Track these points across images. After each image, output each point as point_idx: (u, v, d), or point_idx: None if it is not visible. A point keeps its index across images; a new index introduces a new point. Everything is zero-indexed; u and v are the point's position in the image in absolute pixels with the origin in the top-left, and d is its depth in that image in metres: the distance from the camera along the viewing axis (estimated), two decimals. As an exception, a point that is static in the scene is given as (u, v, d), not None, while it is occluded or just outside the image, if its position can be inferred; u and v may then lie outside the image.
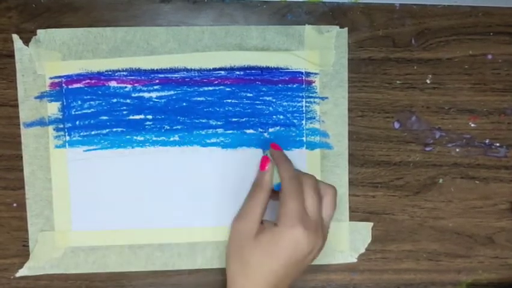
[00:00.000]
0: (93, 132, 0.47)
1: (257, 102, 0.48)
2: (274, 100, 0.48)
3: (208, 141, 0.48)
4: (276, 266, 0.40)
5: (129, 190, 0.48)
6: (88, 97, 0.47)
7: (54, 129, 0.47)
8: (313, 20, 0.48)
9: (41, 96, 0.47)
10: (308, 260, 0.42)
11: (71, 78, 0.47)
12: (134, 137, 0.48)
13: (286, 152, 0.48)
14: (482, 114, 0.50)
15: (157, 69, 0.48)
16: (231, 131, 0.48)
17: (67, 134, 0.47)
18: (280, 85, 0.48)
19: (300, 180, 0.42)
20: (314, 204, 0.41)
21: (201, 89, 0.48)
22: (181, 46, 0.48)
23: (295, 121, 0.49)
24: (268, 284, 0.40)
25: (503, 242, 0.51)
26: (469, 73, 0.50)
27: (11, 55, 0.47)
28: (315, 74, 0.48)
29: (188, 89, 0.48)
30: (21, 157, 0.47)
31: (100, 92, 0.47)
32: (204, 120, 0.48)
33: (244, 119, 0.48)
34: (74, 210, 0.48)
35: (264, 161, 0.44)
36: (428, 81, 0.49)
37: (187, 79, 0.48)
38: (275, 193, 0.44)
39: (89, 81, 0.47)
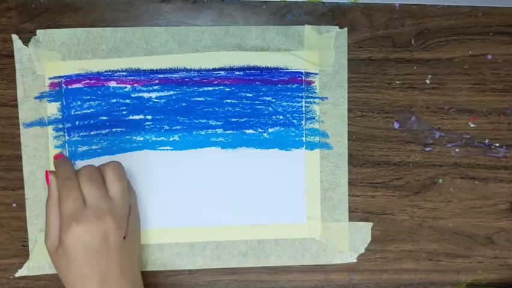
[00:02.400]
0: (92, 133, 0.48)
1: (257, 102, 0.48)
2: (273, 100, 0.48)
3: (207, 141, 0.48)
4: (85, 269, 0.40)
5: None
6: (88, 97, 0.47)
7: (53, 130, 0.47)
8: (313, 20, 0.48)
9: (40, 97, 0.47)
10: (117, 240, 0.41)
11: (70, 79, 0.47)
12: (134, 137, 0.48)
13: (286, 152, 0.49)
14: (482, 115, 0.50)
15: (156, 70, 0.48)
16: (230, 131, 0.48)
17: (66, 134, 0.47)
18: (279, 85, 0.48)
19: (72, 179, 0.42)
20: (91, 193, 0.41)
21: (201, 89, 0.48)
22: (180, 46, 0.48)
23: (294, 121, 0.49)
24: (103, 280, 0.40)
25: (502, 242, 0.51)
26: (469, 73, 0.50)
27: (10, 55, 0.47)
28: (315, 74, 0.48)
29: (188, 89, 0.48)
30: (21, 157, 0.47)
31: (99, 92, 0.47)
32: (203, 121, 0.48)
33: (243, 119, 0.48)
34: (73, 210, 0.48)
35: (46, 176, 0.44)
36: (428, 82, 0.49)
37: (186, 79, 0.48)
38: None
39: (88, 81, 0.47)
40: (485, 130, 0.50)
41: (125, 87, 0.48)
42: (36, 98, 0.47)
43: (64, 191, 0.41)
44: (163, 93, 0.48)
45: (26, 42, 0.47)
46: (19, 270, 0.48)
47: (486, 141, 0.50)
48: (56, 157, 0.46)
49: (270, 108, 0.48)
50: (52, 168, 0.47)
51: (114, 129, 0.48)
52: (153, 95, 0.48)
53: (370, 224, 0.50)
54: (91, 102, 0.47)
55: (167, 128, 0.48)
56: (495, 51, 0.50)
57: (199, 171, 0.48)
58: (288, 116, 0.48)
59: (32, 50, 0.47)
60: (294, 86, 0.48)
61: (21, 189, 0.48)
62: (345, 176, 0.49)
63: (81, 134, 0.47)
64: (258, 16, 0.48)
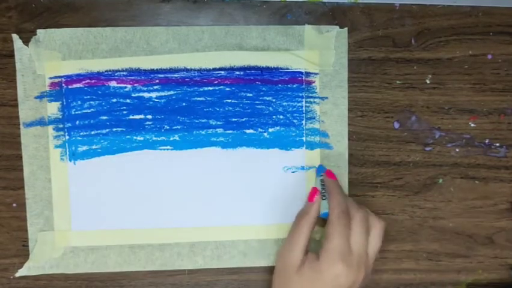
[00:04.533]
0: (93, 132, 0.47)
1: (257, 102, 0.48)
2: (274, 100, 0.48)
3: (207, 141, 0.48)
4: None
5: (129, 190, 0.48)
6: (88, 97, 0.47)
7: (54, 129, 0.47)
8: (313, 20, 0.48)
9: (40, 96, 0.47)
10: None
11: (71, 78, 0.47)
12: (134, 137, 0.48)
13: (286, 152, 0.49)
14: (482, 114, 0.50)
15: (157, 69, 0.48)
16: (230, 131, 0.48)
17: (66, 134, 0.47)
18: (280, 85, 0.48)
19: (348, 215, 0.42)
20: (360, 241, 0.41)
21: (201, 89, 0.48)
22: (181, 46, 0.48)
23: (295, 121, 0.49)
24: None
25: (503, 242, 0.51)
26: (469, 73, 0.50)
27: (10, 55, 0.47)
28: (315, 74, 0.48)
29: (188, 89, 0.48)
30: (21, 157, 0.47)
31: (99, 92, 0.47)
32: (203, 120, 0.48)
33: (244, 119, 0.48)
34: (73, 210, 0.48)
35: (313, 192, 0.45)
36: (428, 81, 0.49)
37: (187, 79, 0.48)
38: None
39: (89, 81, 0.47)
40: (486, 130, 0.50)
41: (126, 87, 0.48)
42: (36, 97, 0.47)
43: (337, 224, 0.41)
44: (163, 93, 0.48)
45: (26, 41, 0.47)
46: (19, 270, 0.48)
47: (486, 141, 0.50)
48: (329, 175, 0.46)
49: (271, 108, 0.48)
50: (52, 168, 0.47)
51: (114, 129, 0.48)
52: (153, 94, 0.48)
53: (370, 224, 0.50)
54: (91, 102, 0.47)
55: (168, 127, 0.48)
56: (495, 51, 0.50)
57: (199, 171, 0.48)
58: (288, 115, 0.48)
59: (33, 49, 0.47)
60: (294, 85, 0.48)
61: (22, 189, 0.48)
62: (346, 176, 0.49)
63: (81, 133, 0.47)
64: (258, 16, 0.48)
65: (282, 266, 0.43)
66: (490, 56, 0.50)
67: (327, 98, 0.49)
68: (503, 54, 0.50)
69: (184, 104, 0.48)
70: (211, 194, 0.48)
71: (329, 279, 0.40)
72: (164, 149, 0.48)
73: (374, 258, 0.43)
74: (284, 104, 0.48)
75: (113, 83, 0.47)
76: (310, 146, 0.49)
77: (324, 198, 0.44)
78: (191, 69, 0.48)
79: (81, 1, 0.47)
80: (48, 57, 0.47)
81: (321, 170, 0.48)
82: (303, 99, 0.49)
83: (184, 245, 0.49)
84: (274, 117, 0.48)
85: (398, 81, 0.49)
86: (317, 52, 0.48)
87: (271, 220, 0.49)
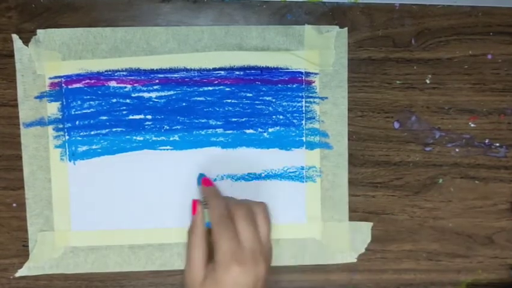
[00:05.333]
0: (93, 132, 0.47)
1: (257, 102, 0.48)
2: (274, 100, 0.48)
3: (207, 141, 0.48)
4: None
5: (129, 190, 0.48)
6: (88, 97, 0.47)
7: (54, 129, 0.47)
8: (313, 20, 0.48)
9: (40, 96, 0.47)
10: (263, 285, 0.41)
11: (70, 78, 0.47)
12: (134, 137, 0.48)
13: (286, 152, 0.49)
14: (482, 114, 0.50)
15: (156, 69, 0.48)
16: (230, 131, 0.48)
17: (66, 134, 0.47)
18: (280, 85, 0.48)
19: (230, 215, 0.41)
20: (249, 235, 0.40)
21: (201, 89, 0.48)
22: (180, 46, 0.48)
23: (295, 121, 0.49)
24: None
25: (502, 242, 0.51)
26: (469, 73, 0.50)
27: (10, 55, 0.47)
28: (315, 74, 0.48)
29: (188, 89, 0.48)
30: (21, 157, 0.47)
31: (99, 92, 0.47)
32: (203, 120, 0.48)
33: (244, 119, 0.48)
34: (73, 210, 0.48)
35: (194, 205, 0.44)
36: (428, 81, 0.49)
37: (186, 79, 0.48)
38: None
39: (88, 81, 0.47)
40: (485, 130, 0.50)
41: (126, 87, 0.48)
42: (36, 97, 0.47)
43: (220, 228, 0.40)
44: (163, 93, 0.48)
45: (26, 42, 0.47)
46: (19, 270, 0.48)
47: (486, 141, 0.50)
48: (205, 183, 0.46)
49: (270, 108, 0.48)
50: (52, 168, 0.47)
51: (114, 129, 0.48)
52: (153, 94, 0.48)
53: (370, 224, 0.50)
54: (91, 102, 0.47)
55: (168, 127, 0.48)
56: (495, 51, 0.50)
57: (199, 171, 0.48)
58: (288, 115, 0.48)
59: (32, 49, 0.47)
60: (294, 85, 0.48)
61: (22, 189, 0.48)
62: (345, 176, 0.49)
63: (81, 133, 0.47)
64: (258, 16, 0.48)
65: (188, 285, 0.41)
66: (490, 56, 0.50)
67: (327, 98, 0.49)
68: (503, 54, 0.50)
69: (184, 104, 0.48)
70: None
71: (229, 284, 0.39)
72: (164, 149, 0.48)
73: (269, 243, 0.42)
74: (284, 104, 0.48)
75: (113, 83, 0.47)
76: (310, 146, 0.49)
77: (206, 207, 0.43)
78: (191, 69, 0.48)
79: (81, 1, 0.47)
80: (48, 57, 0.47)
81: (199, 178, 0.47)
82: (303, 99, 0.49)
83: (184, 245, 0.49)
84: (274, 117, 0.48)
85: (398, 81, 0.49)
86: (317, 52, 0.48)
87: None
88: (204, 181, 0.46)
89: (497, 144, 0.50)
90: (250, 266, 0.40)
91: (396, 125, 0.50)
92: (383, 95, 0.49)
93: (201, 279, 0.41)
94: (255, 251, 0.40)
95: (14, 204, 0.48)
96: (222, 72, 0.48)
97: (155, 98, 0.48)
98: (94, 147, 0.48)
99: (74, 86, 0.47)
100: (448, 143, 0.50)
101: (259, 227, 0.42)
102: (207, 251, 0.42)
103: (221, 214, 0.41)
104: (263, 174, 0.49)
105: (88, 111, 0.47)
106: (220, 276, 0.39)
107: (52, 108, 0.47)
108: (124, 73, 0.47)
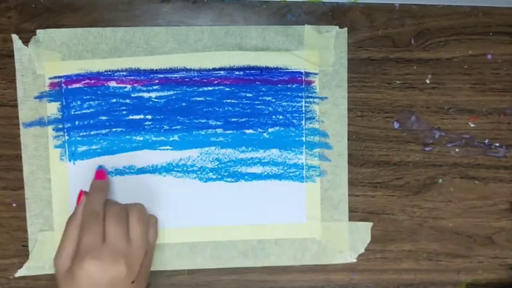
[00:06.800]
0: (92, 132, 0.47)
1: (256, 102, 0.48)
2: (273, 100, 0.48)
3: (207, 141, 0.48)
4: None
5: (129, 190, 0.48)
6: (88, 97, 0.47)
7: (53, 129, 0.47)
8: (313, 20, 0.48)
9: (40, 96, 0.47)
10: (125, 285, 0.40)
11: (70, 78, 0.47)
12: (134, 137, 0.48)
13: (286, 152, 0.48)
14: (482, 114, 0.50)
15: (156, 69, 0.48)
16: (230, 131, 0.48)
17: (66, 134, 0.47)
18: (279, 85, 0.48)
19: (100, 212, 0.41)
20: (113, 233, 0.40)
21: (201, 89, 0.48)
22: (180, 46, 0.48)
23: (294, 121, 0.49)
24: None
25: (502, 242, 0.51)
26: (469, 73, 0.50)
27: (10, 55, 0.47)
28: (315, 74, 0.48)
29: (188, 89, 0.48)
30: (21, 157, 0.47)
31: (99, 92, 0.47)
32: (203, 120, 0.48)
33: (243, 119, 0.48)
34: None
35: (79, 195, 0.44)
36: (428, 81, 0.49)
37: (186, 79, 0.48)
38: None
39: (88, 81, 0.47)
40: (485, 130, 0.50)
41: (125, 87, 0.48)
42: (36, 97, 0.47)
43: (87, 222, 0.41)
44: (163, 93, 0.48)
45: (26, 42, 0.47)
46: (19, 270, 0.48)
47: (486, 141, 0.50)
48: (97, 176, 0.46)
49: (270, 108, 0.48)
50: (52, 168, 0.47)
51: (114, 129, 0.48)
52: (153, 94, 0.48)
53: (370, 224, 0.50)
54: (90, 102, 0.47)
55: (167, 127, 0.48)
56: (495, 51, 0.50)
57: (198, 171, 0.48)
58: (288, 115, 0.48)
59: (32, 49, 0.47)
60: (294, 85, 0.48)
61: (21, 189, 0.48)
62: (345, 176, 0.49)
63: (81, 133, 0.47)
64: (258, 16, 0.48)
65: (55, 272, 0.41)
66: (489, 56, 0.50)
67: (326, 98, 0.49)
68: (503, 54, 0.50)
69: (183, 104, 0.48)
70: (211, 194, 0.48)
71: (82, 278, 0.39)
72: (164, 149, 0.48)
73: (141, 245, 0.42)
74: (284, 104, 0.48)
75: (112, 83, 0.47)
76: (310, 146, 0.49)
77: None
78: (191, 69, 0.48)
79: (81, 1, 0.47)
80: (48, 57, 0.47)
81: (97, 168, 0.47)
82: (303, 99, 0.49)
83: (184, 245, 0.49)
84: (273, 117, 0.48)
85: (397, 81, 0.49)
86: (317, 52, 0.48)
87: (271, 220, 0.49)
88: (97, 173, 0.46)
89: (497, 144, 0.50)
90: (108, 264, 0.39)
91: (396, 125, 0.50)
92: (383, 95, 0.49)
93: (65, 269, 0.40)
94: (116, 249, 0.40)
95: (14, 204, 0.48)
96: (222, 72, 0.48)
97: (155, 98, 0.48)
98: (93, 147, 0.48)
99: (74, 86, 0.47)
100: (447, 143, 0.50)
101: (131, 228, 0.42)
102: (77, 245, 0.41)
103: (92, 209, 0.42)
104: (263, 174, 0.49)
105: (88, 111, 0.47)
106: (74, 268, 0.39)
107: (52, 108, 0.47)
108: (124, 73, 0.47)
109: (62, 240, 0.42)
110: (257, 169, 0.49)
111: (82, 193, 0.44)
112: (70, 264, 0.40)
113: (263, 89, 0.48)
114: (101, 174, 0.47)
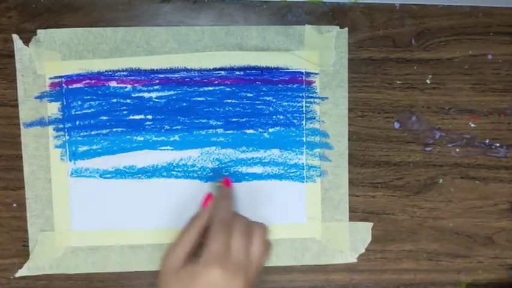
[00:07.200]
0: (93, 132, 0.47)
1: (257, 102, 0.48)
2: (274, 100, 0.48)
3: (208, 141, 0.48)
4: None
5: (129, 190, 0.48)
6: (88, 97, 0.47)
7: (54, 129, 0.47)
8: (314, 20, 0.48)
9: (41, 96, 0.47)
10: None
11: (71, 78, 0.47)
12: (134, 137, 0.48)
13: (286, 152, 0.49)
14: (482, 114, 0.50)
15: (157, 69, 0.48)
16: (231, 131, 0.48)
17: (66, 134, 0.47)
18: (280, 85, 0.48)
19: (230, 222, 0.41)
20: (239, 247, 0.40)
21: (201, 89, 0.48)
22: (181, 46, 0.48)
23: (295, 121, 0.49)
24: None
25: (503, 242, 0.51)
26: (469, 73, 0.50)
27: (11, 55, 0.47)
28: (315, 74, 0.48)
29: (189, 89, 0.48)
30: (21, 157, 0.47)
31: (100, 92, 0.47)
32: (204, 120, 0.48)
33: (244, 119, 0.48)
34: (74, 210, 0.48)
35: (207, 198, 0.44)
36: (428, 81, 0.49)
37: (187, 79, 0.48)
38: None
39: (89, 81, 0.47)
40: (486, 130, 0.50)
41: (126, 87, 0.48)
42: (36, 97, 0.47)
43: (217, 230, 0.40)
44: (163, 93, 0.48)
45: (26, 42, 0.47)
46: (19, 270, 0.48)
47: (486, 141, 0.50)
48: (225, 182, 0.46)
49: (271, 108, 0.48)
50: (52, 168, 0.47)
51: (114, 129, 0.48)
52: (153, 94, 0.48)
53: (370, 224, 0.50)
54: (91, 102, 0.47)
55: (168, 127, 0.48)
56: (495, 51, 0.50)
57: (198, 171, 0.48)
58: (288, 115, 0.48)
59: (33, 49, 0.47)
60: (294, 85, 0.48)
61: (22, 189, 0.48)
62: (346, 176, 0.49)
63: (81, 133, 0.47)
64: (258, 16, 0.48)
65: (163, 267, 0.41)
66: (490, 56, 0.50)
67: (327, 98, 0.49)
68: (503, 54, 0.50)
69: (184, 104, 0.48)
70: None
71: (205, 282, 0.39)
72: (164, 149, 0.48)
73: (258, 264, 0.42)
74: (284, 104, 0.48)
75: (113, 83, 0.47)
76: (311, 146, 0.49)
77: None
78: (191, 69, 0.48)
79: (81, 1, 0.47)
80: (49, 57, 0.47)
81: (219, 176, 0.48)
82: (303, 99, 0.49)
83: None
84: (274, 117, 0.48)
85: (398, 81, 0.49)
86: (317, 52, 0.48)
87: (271, 220, 0.49)
88: (225, 181, 0.46)
89: (498, 144, 0.50)
90: (230, 275, 0.39)
91: (397, 125, 0.50)
92: (383, 95, 0.49)
93: (177, 267, 0.40)
94: (240, 263, 0.40)
95: (14, 204, 0.48)
96: (222, 72, 0.48)
97: (156, 98, 0.48)
98: (94, 147, 0.48)
99: (75, 86, 0.47)
100: (448, 143, 0.50)
101: (253, 246, 0.41)
102: (194, 246, 0.41)
103: (224, 217, 0.41)
104: (263, 174, 0.49)
105: (88, 111, 0.47)
106: (198, 271, 0.39)
107: (52, 108, 0.47)
108: (125, 73, 0.47)
109: (180, 236, 0.41)
110: (258, 169, 0.49)
111: (210, 196, 0.44)
112: (182, 264, 0.40)
113: (264, 89, 0.48)
114: (228, 181, 0.47)
